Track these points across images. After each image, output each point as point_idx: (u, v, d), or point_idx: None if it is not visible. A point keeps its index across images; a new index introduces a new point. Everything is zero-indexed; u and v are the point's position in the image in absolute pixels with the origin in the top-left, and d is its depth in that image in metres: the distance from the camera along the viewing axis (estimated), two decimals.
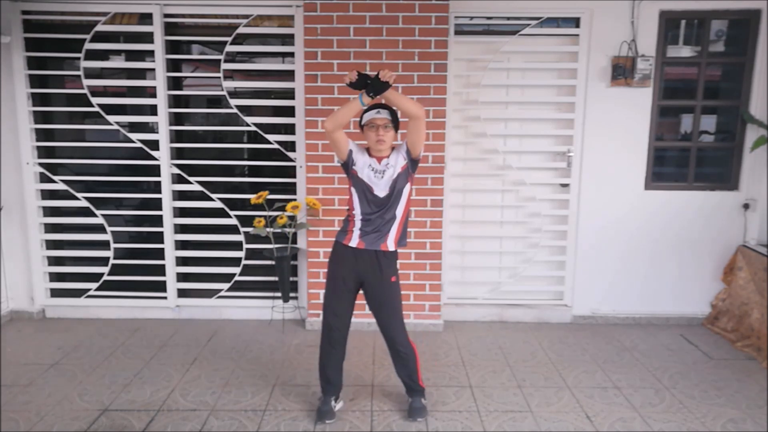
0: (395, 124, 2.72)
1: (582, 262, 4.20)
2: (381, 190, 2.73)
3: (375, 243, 2.76)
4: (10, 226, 4.17)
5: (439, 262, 4.00)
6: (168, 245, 4.18)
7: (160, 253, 4.21)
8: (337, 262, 2.83)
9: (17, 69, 3.99)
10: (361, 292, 2.87)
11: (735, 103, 4.09)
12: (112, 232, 4.19)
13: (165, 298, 4.26)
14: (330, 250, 2.87)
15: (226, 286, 4.25)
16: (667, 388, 3.23)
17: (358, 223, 2.78)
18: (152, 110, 4.07)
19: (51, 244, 4.28)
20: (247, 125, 4.10)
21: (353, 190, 2.80)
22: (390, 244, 2.79)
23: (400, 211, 2.79)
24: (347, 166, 2.76)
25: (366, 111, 2.71)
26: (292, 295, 4.22)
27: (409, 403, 2.94)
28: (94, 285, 4.25)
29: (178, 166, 4.14)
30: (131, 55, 4.22)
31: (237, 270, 4.23)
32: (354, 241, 2.77)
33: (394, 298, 2.83)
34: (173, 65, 4.11)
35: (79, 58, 3.98)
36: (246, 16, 3.96)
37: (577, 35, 3.98)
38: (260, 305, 4.23)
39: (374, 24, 3.75)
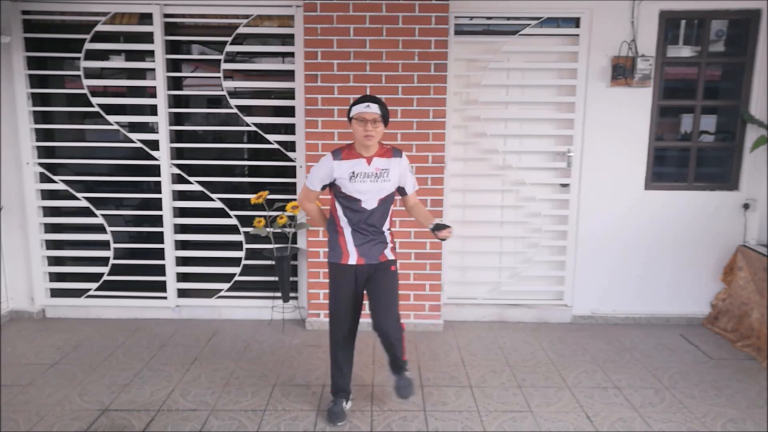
0: (385, 119, 2.59)
1: (582, 262, 4.20)
2: (369, 203, 2.65)
3: (375, 257, 2.72)
4: (10, 226, 4.17)
5: (439, 262, 4.00)
6: (168, 245, 4.18)
7: (160, 253, 4.21)
8: (339, 286, 2.75)
9: (17, 69, 3.99)
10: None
11: (735, 103, 4.09)
12: (112, 232, 4.19)
13: (165, 298, 4.26)
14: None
15: (226, 286, 4.25)
16: (667, 388, 3.23)
17: (349, 238, 2.70)
18: (152, 110, 4.07)
19: (51, 244, 4.28)
20: (247, 125, 4.10)
21: (337, 204, 2.72)
22: (389, 254, 2.76)
23: (387, 224, 2.77)
24: (329, 186, 2.70)
25: (355, 104, 2.59)
26: (292, 295, 4.22)
27: (395, 381, 2.87)
28: (94, 285, 4.25)
29: (178, 166, 4.14)
30: (131, 55, 4.22)
31: (237, 270, 4.23)
32: (353, 258, 2.70)
33: (394, 285, 2.77)
34: (173, 65, 4.11)
35: (79, 58, 3.98)
36: (246, 16, 3.96)
37: (577, 35, 3.98)
38: (260, 305, 4.23)
39: (374, 24, 3.75)
